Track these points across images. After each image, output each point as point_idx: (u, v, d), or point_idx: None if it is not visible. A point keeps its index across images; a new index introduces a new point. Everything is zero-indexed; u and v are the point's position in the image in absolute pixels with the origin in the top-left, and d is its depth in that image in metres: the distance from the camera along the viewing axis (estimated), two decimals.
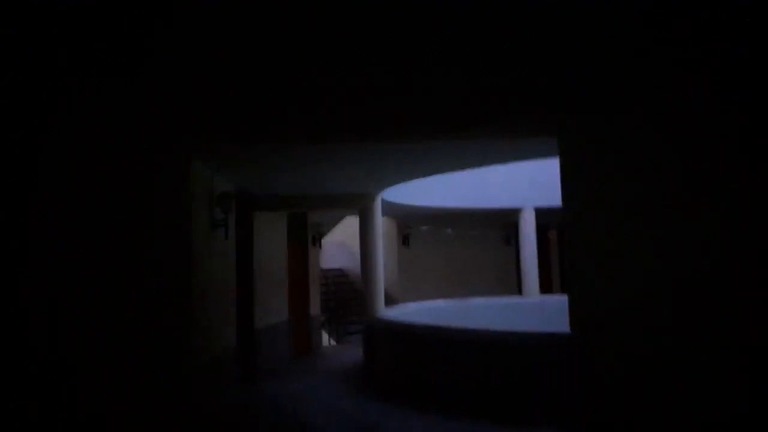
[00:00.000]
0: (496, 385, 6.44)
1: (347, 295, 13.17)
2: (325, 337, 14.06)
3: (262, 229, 9.63)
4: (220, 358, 6.72)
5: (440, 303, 11.83)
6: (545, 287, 12.92)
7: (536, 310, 11.42)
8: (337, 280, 14.49)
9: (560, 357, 5.76)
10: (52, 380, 2.66)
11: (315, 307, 11.98)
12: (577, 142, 3.61)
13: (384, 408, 6.96)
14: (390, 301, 13.27)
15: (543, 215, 12.54)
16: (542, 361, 6.13)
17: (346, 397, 7.67)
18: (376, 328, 8.80)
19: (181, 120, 3.69)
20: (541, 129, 4.03)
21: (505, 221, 13.80)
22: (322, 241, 13.93)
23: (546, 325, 6.65)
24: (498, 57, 3.17)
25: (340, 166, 6.99)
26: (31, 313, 2.56)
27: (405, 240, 14.34)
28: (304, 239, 11.78)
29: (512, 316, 11.06)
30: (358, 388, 8.20)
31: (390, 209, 11.26)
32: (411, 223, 14.26)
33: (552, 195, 12.07)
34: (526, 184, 12.02)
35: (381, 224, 9.55)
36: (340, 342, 13.53)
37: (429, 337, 7.44)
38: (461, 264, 14.79)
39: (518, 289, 13.36)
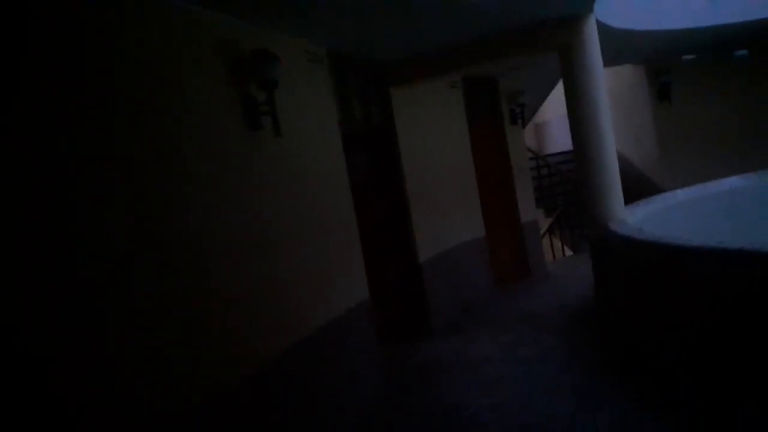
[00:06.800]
0: None
1: None
2: (558, 245, 10.48)
3: (419, 111, 6.42)
4: (321, 327, 4.04)
5: (732, 182, 7.25)
6: None
7: None
8: (563, 167, 10.49)
9: None
10: None
11: (528, 211, 8.46)
12: None
13: (623, 415, 3.46)
14: (647, 188, 8.95)
15: None
16: None
17: (550, 378, 4.28)
18: (607, 247, 5.06)
19: None
20: None
21: None
22: (536, 117, 10.06)
23: None
24: None
25: None
26: None
27: (663, 92, 9.45)
28: (497, 117, 8.17)
29: None
30: (580, 354, 4.71)
31: (620, 45, 6.87)
32: (666, 62, 9.24)
33: None
34: None
35: (601, 66, 5.48)
36: (577, 252, 9.80)
37: (707, 270, 3.53)
38: (761, 114, 9.32)
39: None
